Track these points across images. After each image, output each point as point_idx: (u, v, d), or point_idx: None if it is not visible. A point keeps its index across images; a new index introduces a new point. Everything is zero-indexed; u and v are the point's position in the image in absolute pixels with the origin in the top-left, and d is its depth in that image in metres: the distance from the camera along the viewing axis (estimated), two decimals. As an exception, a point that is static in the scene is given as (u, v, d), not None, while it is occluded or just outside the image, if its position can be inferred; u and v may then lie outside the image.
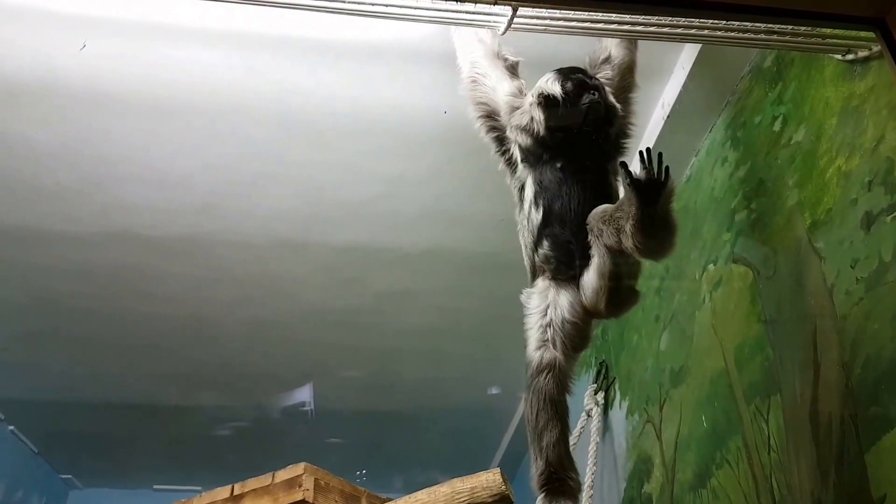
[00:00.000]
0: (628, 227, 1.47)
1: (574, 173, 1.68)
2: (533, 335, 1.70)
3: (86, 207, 2.50)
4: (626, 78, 1.81)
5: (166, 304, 2.95)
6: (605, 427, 2.74)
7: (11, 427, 3.77)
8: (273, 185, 2.49)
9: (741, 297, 1.91)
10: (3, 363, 3.31)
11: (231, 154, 2.36)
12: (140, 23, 1.96)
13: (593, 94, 1.66)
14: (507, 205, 2.56)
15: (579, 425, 2.70)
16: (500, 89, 1.79)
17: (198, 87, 2.13)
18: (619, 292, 1.63)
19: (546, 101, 1.68)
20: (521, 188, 1.78)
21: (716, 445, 1.97)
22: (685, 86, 2.06)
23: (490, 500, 1.72)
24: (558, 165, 1.69)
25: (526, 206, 1.76)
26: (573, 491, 1.63)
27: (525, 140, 1.73)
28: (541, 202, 1.71)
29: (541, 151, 1.72)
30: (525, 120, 1.72)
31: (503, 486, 1.72)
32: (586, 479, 2.52)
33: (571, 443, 2.64)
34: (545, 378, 1.64)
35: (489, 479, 1.73)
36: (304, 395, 3.58)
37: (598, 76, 1.75)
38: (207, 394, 3.57)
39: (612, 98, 1.71)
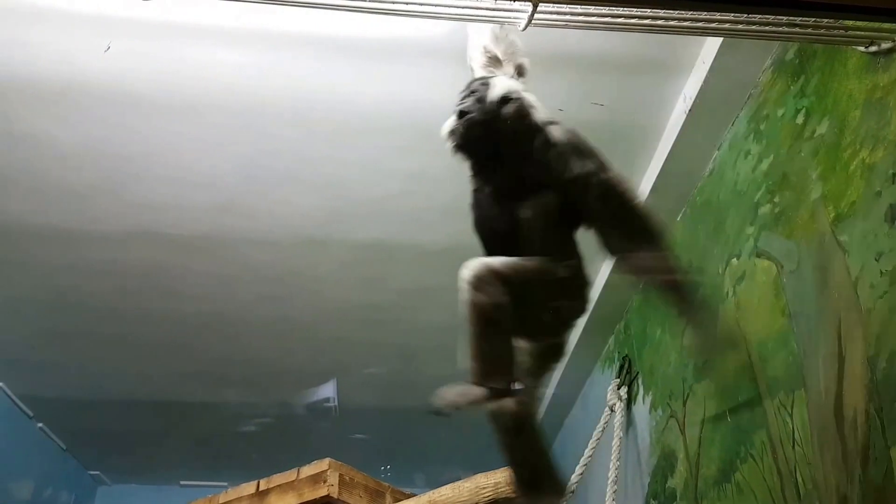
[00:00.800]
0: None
1: (489, 195, 1.61)
2: None
3: (110, 206, 2.54)
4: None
5: (190, 302, 2.99)
6: (629, 422, 2.73)
7: (40, 424, 3.84)
8: (294, 183, 2.50)
9: (765, 292, 1.90)
10: (31, 362, 3.38)
11: (253, 152, 2.38)
12: (162, 23, 1.98)
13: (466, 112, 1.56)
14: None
15: (602, 420, 2.70)
16: None
17: (220, 85, 2.14)
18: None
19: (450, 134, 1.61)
20: None
21: (740, 440, 1.97)
22: (707, 79, 2.04)
23: (514, 495, 1.72)
24: (475, 188, 1.64)
25: None
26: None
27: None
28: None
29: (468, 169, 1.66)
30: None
31: (527, 481, 1.72)
32: (610, 474, 2.53)
33: (595, 438, 2.66)
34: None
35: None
36: (327, 391, 3.61)
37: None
38: (232, 390, 3.61)
39: (488, 106, 1.56)
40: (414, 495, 1.95)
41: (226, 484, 3.20)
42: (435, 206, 2.60)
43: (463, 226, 2.71)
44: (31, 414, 3.74)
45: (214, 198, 2.53)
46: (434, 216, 2.64)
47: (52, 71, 2.07)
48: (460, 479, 1.77)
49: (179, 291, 2.94)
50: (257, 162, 2.40)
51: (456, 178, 2.49)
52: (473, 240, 2.76)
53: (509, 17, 1.47)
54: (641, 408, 2.68)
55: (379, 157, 2.41)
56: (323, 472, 1.91)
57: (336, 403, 3.66)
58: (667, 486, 2.42)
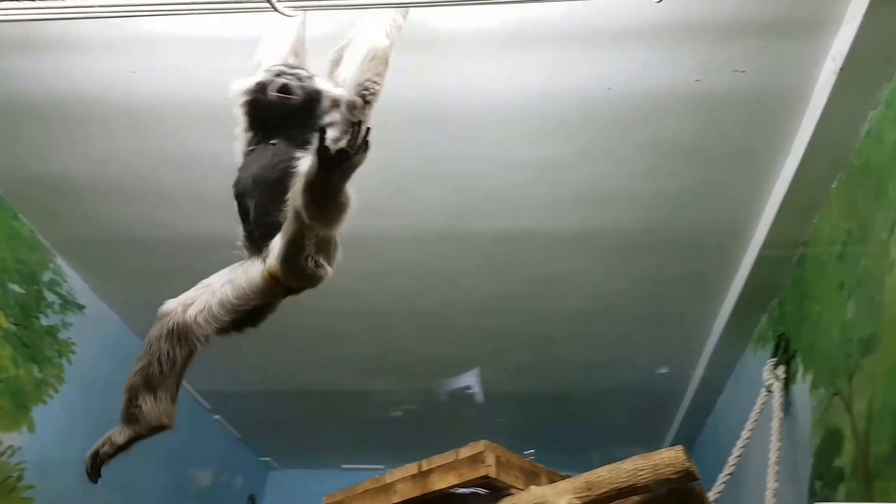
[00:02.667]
0: (301, 188, 1.51)
1: (261, 152, 1.73)
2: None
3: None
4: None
5: (342, 299, 3.16)
6: (788, 402, 2.62)
7: (217, 416, 4.21)
8: (425, 181, 2.58)
9: (939, 257, 1.76)
10: (207, 360, 3.69)
11: (389, 155, 2.45)
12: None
13: (287, 78, 1.71)
14: (660, 181, 2.52)
15: (760, 401, 2.61)
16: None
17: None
18: (299, 262, 1.67)
19: (242, 93, 1.75)
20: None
21: (917, 416, 1.84)
22: (857, 36, 1.90)
23: (674, 476, 1.71)
24: (252, 147, 1.76)
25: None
26: (138, 418, 1.75)
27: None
28: (239, 181, 1.78)
29: (247, 137, 1.78)
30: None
31: (687, 463, 1.70)
32: (771, 455, 2.44)
33: (752, 420, 2.58)
34: (156, 323, 1.74)
35: (671, 457, 1.72)
36: (470, 378, 3.71)
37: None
38: (384, 379, 3.79)
39: (321, 84, 1.74)
40: (569, 476, 1.97)
41: (382, 467, 3.37)
42: (562, 193, 2.60)
43: (590, 211, 2.72)
44: (208, 407, 4.11)
45: (357, 200, 2.67)
46: (562, 203, 2.64)
47: (211, 93, 2.22)
48: (618, 461, 1.78)
49: (332, 288, 3.07)
50: (393, 164, 2.49)
51: (585, 163, 2.52)
52: (601, 225, 2.77)
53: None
54: (801, 387, 2.56)
55: (506, 149, 2.44)
56: (480, 453, 1.98)
57: (479, 390, 3.76)
58: (833, 465, 2.30)
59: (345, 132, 1.53)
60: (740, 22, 1.98)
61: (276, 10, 1.71)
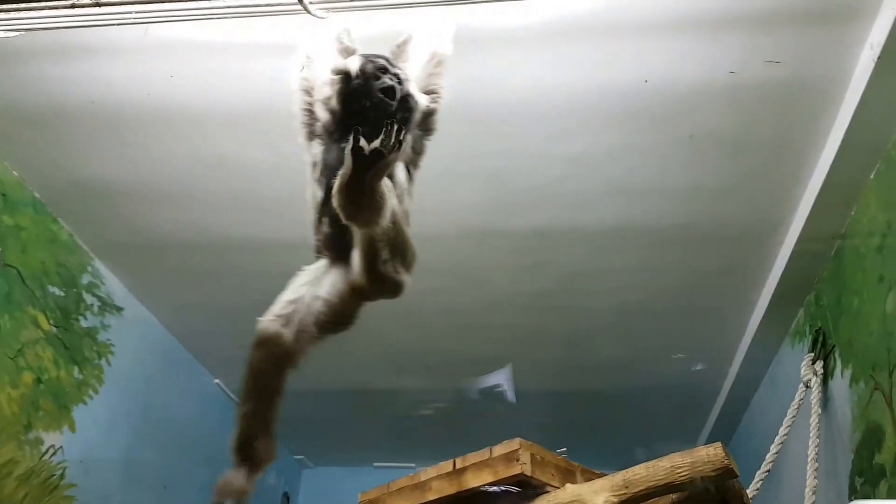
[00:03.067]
0: (336, 188, 1.50)
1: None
2: (273, 308, 1.74)
3: (298, 216, 2.76)
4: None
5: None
6: (826, 398, 2.58)
7: (252, 415, 4.27)
8: (458, 179, 2.58)
9: (985, 248, 1.72)
10: (242, 359, 3.75)
11: (420, 154, 2.49)
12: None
13: (392, 80, 1.68)
14: (696, 174, 2.49)
15: (797, 397, 2.57)
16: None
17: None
18: (379, 270, 1.66)
19: (341, 76, 1.71)
20: (314, 165, 1.80)
21: (964, 412, 1.80)
22: (897, 23, 1.87)
23: (713, 473, 1.69)
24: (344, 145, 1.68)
25: (313, 183, 1.79)
26: (257, 458, 1.73)
27: (323, 114, 1.76)
28: (323, 180, 1.73)
29: (334, 128, 1.74)
30: (326, 93, 1.74)
31: (726, 460, 1.68)
32: (810, 452, 2.40)
33: (790, 416, 2.54)
34: (260, 351, 1.70)
35: (710, 454, 1.70)
36: (502, 376, 3.71)
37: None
38: (417, 377, 3.80)
39: (413, 89, 1.72)
40: (604, 475, 1.95)
41: (414, 465, 3.39)
42: (595, 188, 2.58)
43: (625, 206, 2.69)
44: (243, 406, 4.17)
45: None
46: (594, 198, 2.63)
47: (248, 98, 2.27)
48: (655, 459, 1.76)
49: (364, 287, 3.14)
50: (428, 161, 2.44)
51: (620, 157, 2.49)
52: (636, 219, 2.73)
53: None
54: (840, 382, 2.51)
55: (541, 144, 2.43)
56: (514, 451, 1.96)
57: (511, 388, 3.75)
58: (874, 462, 2.26)
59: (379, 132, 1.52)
60: (776, 11, 1.95)
61: (308, 11, 1.72)
